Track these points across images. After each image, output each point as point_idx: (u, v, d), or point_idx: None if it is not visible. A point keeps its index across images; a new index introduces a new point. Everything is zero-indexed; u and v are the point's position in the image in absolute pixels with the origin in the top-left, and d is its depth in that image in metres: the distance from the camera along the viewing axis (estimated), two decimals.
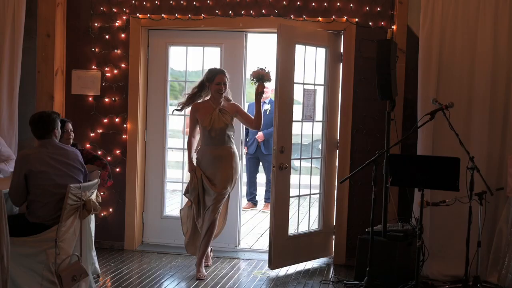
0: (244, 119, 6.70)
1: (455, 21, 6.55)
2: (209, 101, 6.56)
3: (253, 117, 6.60)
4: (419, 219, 5.75)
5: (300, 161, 7.51)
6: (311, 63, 7.04)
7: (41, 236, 5.14)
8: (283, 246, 6.76)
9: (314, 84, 7.08)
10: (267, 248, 6.84)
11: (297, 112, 6.91)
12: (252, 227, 9.03)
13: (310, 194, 7.24)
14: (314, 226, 7.29)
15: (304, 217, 7.67)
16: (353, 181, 6.96)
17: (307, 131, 7.12)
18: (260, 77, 6.44)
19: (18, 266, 5.08)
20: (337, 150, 7.17)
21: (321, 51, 7.05)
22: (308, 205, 7.49)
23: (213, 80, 6.47)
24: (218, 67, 6.95)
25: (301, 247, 6.96)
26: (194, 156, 6.62)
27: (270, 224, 6.72)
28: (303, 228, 7.28)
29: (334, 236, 7.18)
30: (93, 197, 5.51)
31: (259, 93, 6.47)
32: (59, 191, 5.22)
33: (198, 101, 6.62)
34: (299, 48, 6.81)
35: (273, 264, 6.67)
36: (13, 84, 7.13)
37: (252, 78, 6.49)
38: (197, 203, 6.53)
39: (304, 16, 7.02)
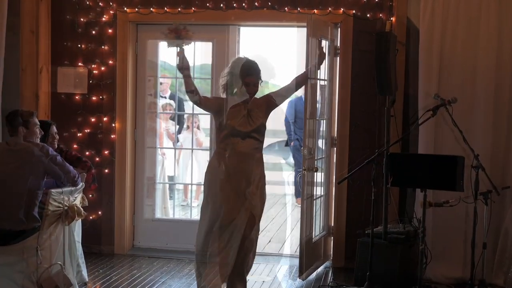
0: None
1: (457, 12, 6.27)
2: None
3: None
4: (421, 220, 5.47)
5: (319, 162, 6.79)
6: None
7: (21, 244, 4.85)
8: (310, 252, 6.34)
9: (325, 80, 6.70)
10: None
11: None
12: None
13: (321, 196, 6.82)
14: (318, 229, 6.80)
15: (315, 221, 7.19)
16: (351, 180, 6.65)
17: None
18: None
19: None
20: (335, 148, 6.86)
21: (326, 44, 6.64)
22: (319, 207, 6.90)
23: None
24: (210, 62, 6.59)
25: (316, 252, 6.58)
26: None
27: (301, 229, 6.20)
28: (316, 232, 6.68)
29: (332, 238, 6.88)
30: (77, 201, 5.21)
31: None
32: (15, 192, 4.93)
33: None
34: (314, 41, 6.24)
35: (305, 274, 6.23)
36: None
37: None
38: None
39: (298, 9, 6.72)
